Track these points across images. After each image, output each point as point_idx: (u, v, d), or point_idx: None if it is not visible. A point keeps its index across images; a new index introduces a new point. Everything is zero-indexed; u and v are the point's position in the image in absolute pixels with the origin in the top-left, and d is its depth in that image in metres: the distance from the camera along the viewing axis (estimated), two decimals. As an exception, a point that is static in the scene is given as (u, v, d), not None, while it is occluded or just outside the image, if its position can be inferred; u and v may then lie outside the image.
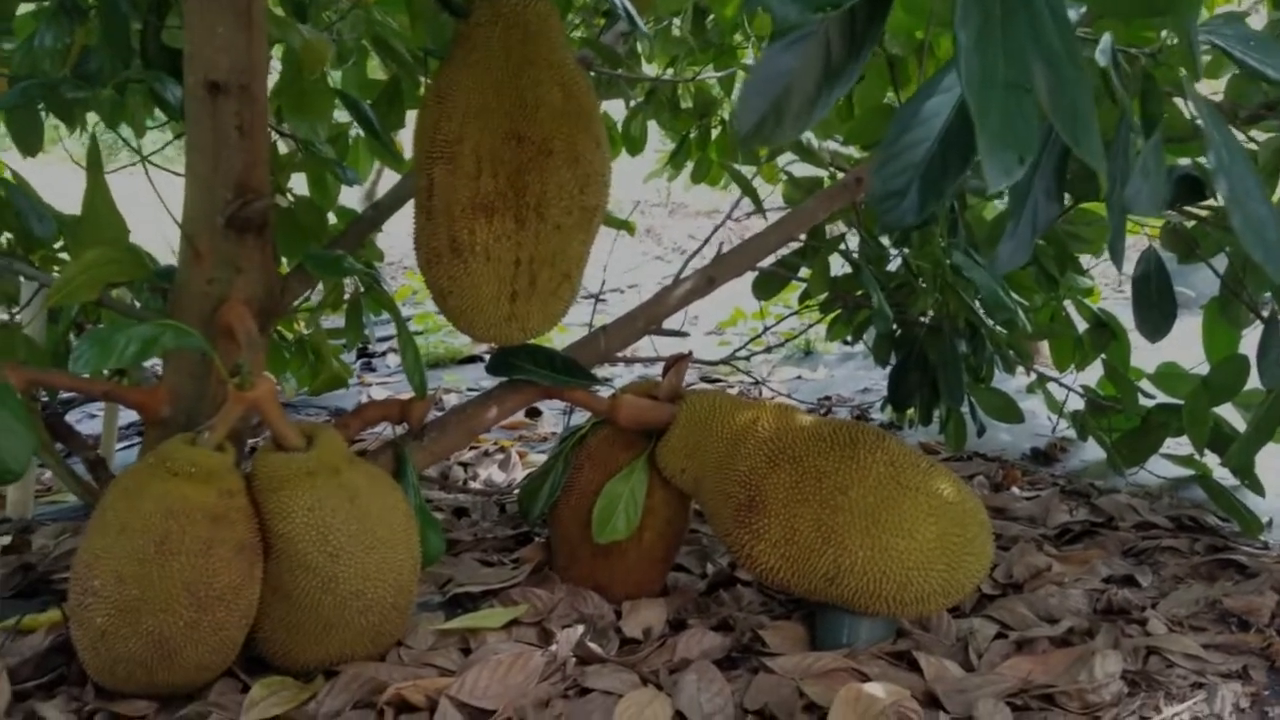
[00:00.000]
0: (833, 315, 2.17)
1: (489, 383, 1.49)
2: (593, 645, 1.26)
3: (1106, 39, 0.77)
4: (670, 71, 2.44)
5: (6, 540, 1.66)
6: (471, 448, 2.37)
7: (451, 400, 2.64)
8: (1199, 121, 0.76)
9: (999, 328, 1.54)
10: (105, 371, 1.90)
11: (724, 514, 1.31)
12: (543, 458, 2.28)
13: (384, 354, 3.57)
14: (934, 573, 1.21)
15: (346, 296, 2.29)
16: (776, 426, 1.31)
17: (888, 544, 1.20)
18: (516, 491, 1.92)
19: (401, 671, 1.21)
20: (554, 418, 2.68)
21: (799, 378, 3.12)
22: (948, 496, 1.23)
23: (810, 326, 2.22)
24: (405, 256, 4.68)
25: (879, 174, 0.80)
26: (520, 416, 2.65)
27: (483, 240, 1.26)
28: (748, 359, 1.91)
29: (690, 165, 2.57)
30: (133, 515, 1.10)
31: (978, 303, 1.52)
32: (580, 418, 2.13)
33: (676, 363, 1.48)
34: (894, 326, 1.95)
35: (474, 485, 2.11)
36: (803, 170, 2.07)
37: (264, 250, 1.33)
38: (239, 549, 1.13)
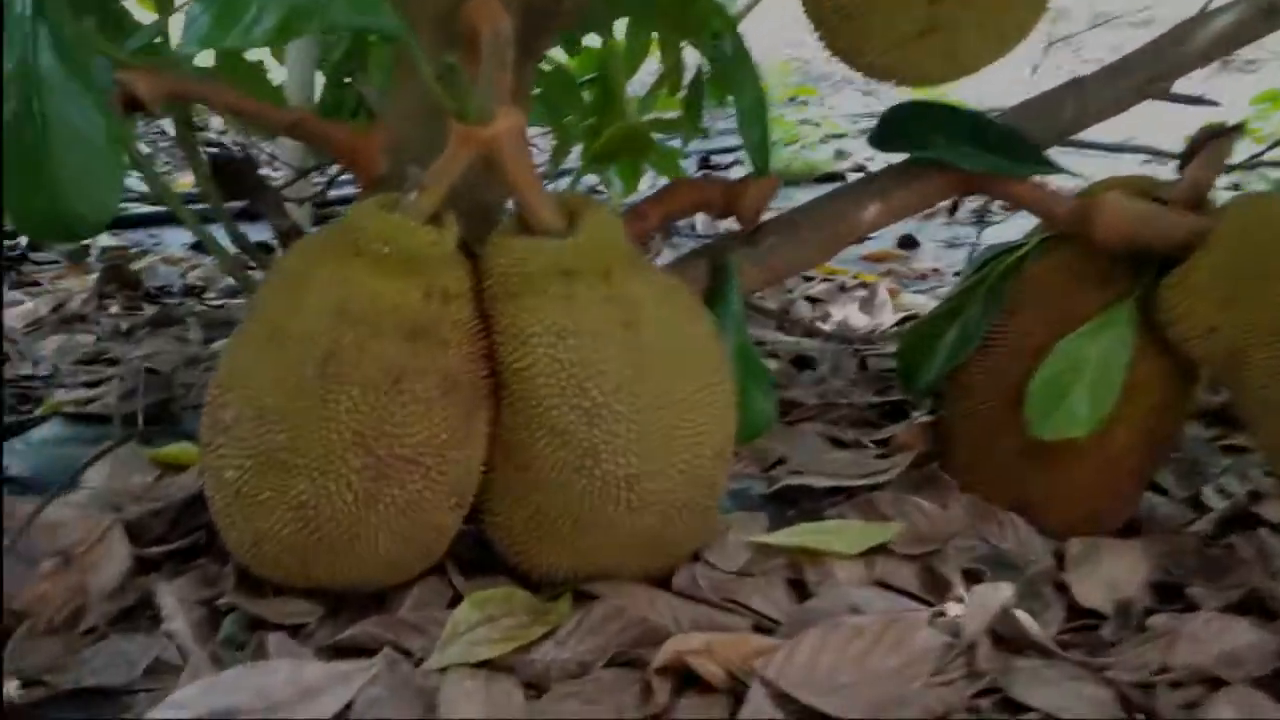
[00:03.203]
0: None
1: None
2: (1024, 618, 0.71)
3: None
4: None
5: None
6: (821, 279, 1.81)
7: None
8: None
9: None
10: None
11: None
12: (921, 300, 1.69)
13: (729, 166, 3.09)
14: None
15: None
16: None
17: None
18: (892, 339, 1.38)
19: (690, 611, 0.74)
20: (936, 250, 2.05)
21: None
22: None
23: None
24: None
25: None
26: (886, 244, 2.04)
27: None
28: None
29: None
30: (290, 314, 0.69)
31: None
32: (998, 235, 1.48)
33: (1210, 142, 0.84)
34: None
35: (824, 328, 1.57)
36: None
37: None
38: (449, 387, 0.69)
